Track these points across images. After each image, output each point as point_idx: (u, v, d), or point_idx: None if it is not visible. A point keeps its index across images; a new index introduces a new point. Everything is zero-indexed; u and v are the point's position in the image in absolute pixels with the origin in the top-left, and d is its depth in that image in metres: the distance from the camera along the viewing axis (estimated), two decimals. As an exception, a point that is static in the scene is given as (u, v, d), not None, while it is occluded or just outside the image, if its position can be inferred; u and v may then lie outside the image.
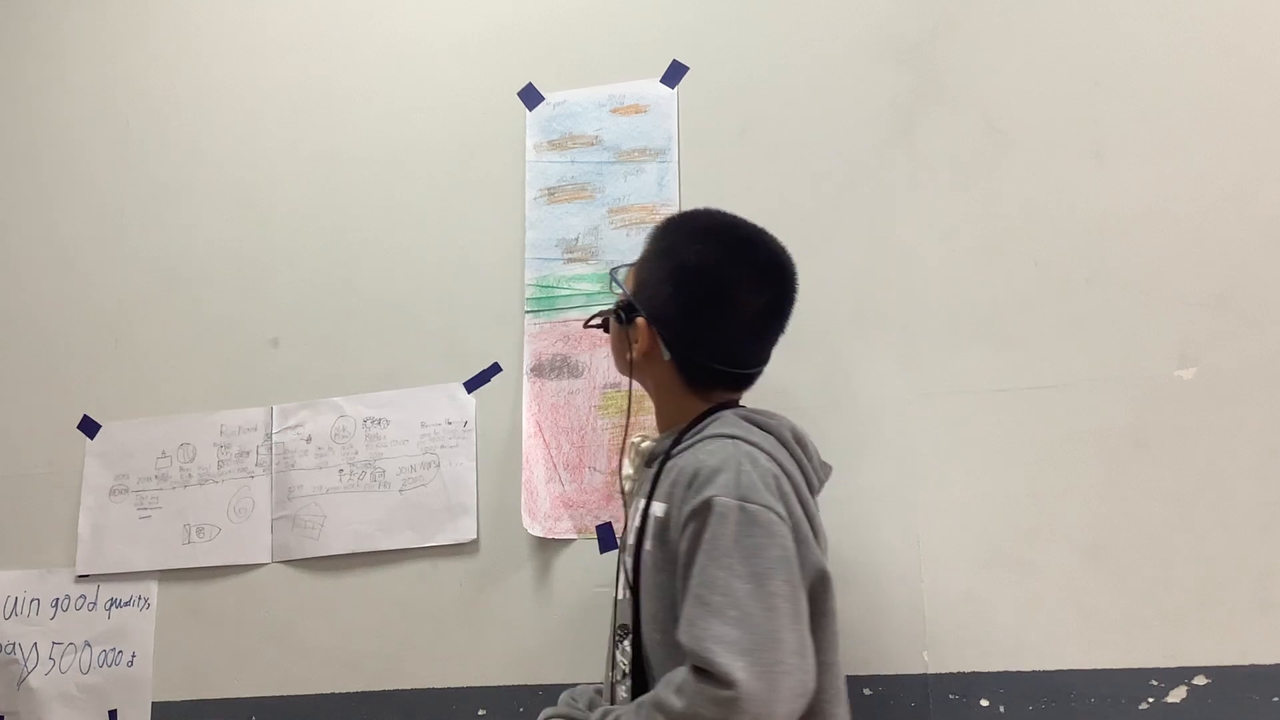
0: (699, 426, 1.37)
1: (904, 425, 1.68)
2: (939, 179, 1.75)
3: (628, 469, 1.49)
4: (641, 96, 1.92)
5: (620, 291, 1.46)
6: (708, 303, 1.38)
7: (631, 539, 1.38)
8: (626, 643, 1.36)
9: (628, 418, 1.50)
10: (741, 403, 1.44)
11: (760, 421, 1.37)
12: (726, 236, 1.42)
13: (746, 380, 1.45)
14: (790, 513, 1.27)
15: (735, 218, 1.44)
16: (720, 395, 1.42)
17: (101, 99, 2.25)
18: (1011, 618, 1.60)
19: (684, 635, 1.20)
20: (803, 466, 1.37)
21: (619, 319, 1.45)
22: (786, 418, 1.41)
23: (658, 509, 1.32)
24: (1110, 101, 1.70)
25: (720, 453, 1.29)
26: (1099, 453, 1.61)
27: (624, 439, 1.47)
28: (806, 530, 1.29)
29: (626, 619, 1.37)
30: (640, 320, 1.40)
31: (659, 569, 1.31)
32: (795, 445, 1.37)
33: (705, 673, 1.16)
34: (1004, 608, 1.60)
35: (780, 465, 1.31)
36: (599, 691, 1.54)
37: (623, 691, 1.35)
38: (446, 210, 1.99)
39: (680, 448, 1.36)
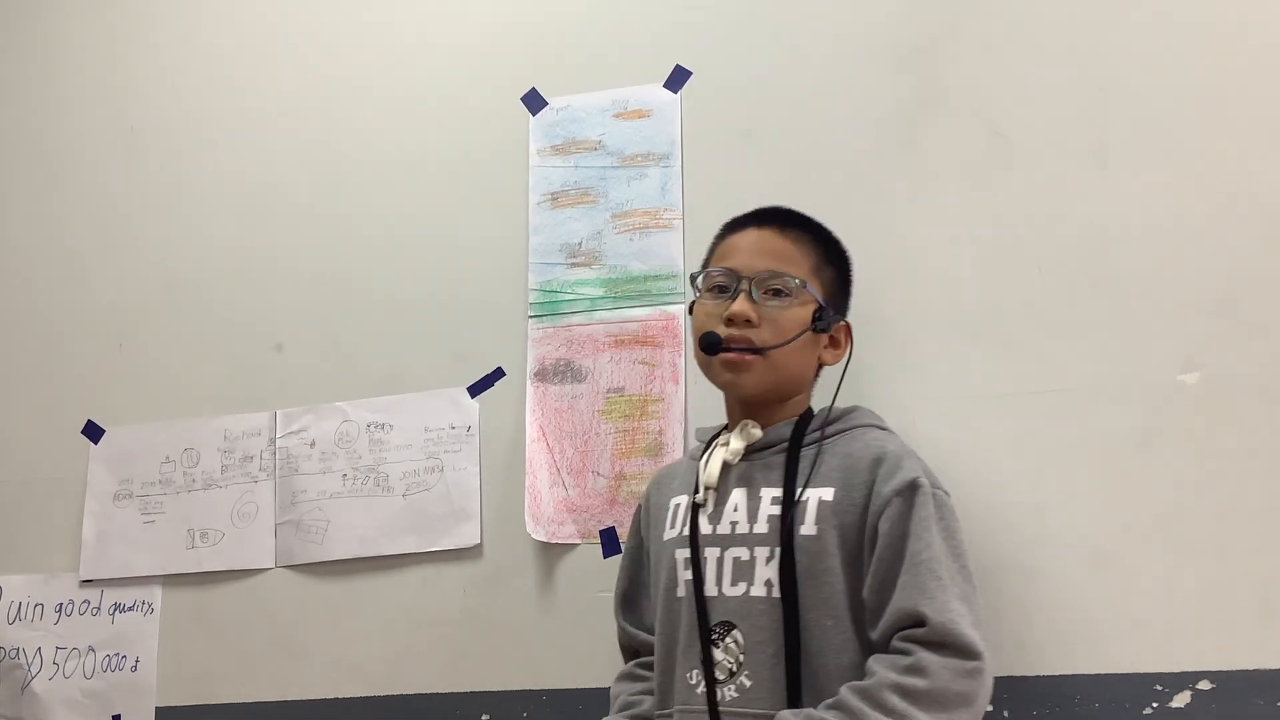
0: (844, 418, 1.44)
1: (906, 430, 1.67)
2: (942, 183, 1.75)
3: (730, 454, 1.45)
4: (645, 101, 1.92)
5: (811, 295, 1.46)
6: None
7: (755, 527, 1.37)
8: (734, 635, 1.34)
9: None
10: None
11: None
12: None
13: None
14: None
15: None
16: None
17: (105, 103, 2.25)
18: (1014, 623, 1.59)
19: (926, 606, 1.24)
20: None
21: (816, 326, 1.46)
22: None
23: (825, 494, 1.35)
24: (1114, 106, 1.70)
25: (892, 441, 1.39)
26: (1102, 457, 1.61)
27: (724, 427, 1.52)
28: None
29: (727, 615, 1.35)
30: (847, 323, 1.52)
31: (829, 554, 1.33)
32: None
33: (944, 645, 1.20)
34: (1007, 613, 1.59)
35: None
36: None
37: (731, 692, 1.33)
38: (450, 215, 1.99)
39: (830, 436, 1.40)
